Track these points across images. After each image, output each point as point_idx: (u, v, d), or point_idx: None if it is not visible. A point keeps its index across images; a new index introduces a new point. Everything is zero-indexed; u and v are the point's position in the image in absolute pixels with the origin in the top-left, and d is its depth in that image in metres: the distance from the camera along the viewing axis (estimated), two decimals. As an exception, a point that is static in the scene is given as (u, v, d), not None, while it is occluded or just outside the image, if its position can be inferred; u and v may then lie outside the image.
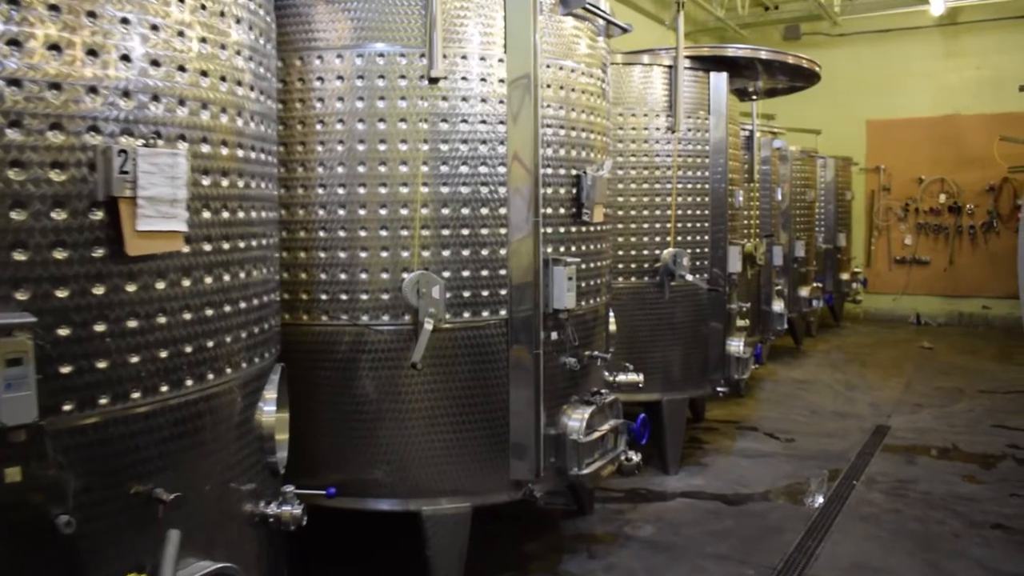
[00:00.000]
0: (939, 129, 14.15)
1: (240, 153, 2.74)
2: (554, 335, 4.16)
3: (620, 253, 5.98)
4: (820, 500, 5.75)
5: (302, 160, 3.90)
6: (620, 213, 5.97)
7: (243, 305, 2.77)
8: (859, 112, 14.61)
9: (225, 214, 2.65)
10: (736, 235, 6.81)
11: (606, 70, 4.75)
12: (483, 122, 3.89)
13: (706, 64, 6.26)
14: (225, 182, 2.65)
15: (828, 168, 12.92)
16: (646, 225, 6.02)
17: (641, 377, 5.14)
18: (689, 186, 6.15)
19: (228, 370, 2.69)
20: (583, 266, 4.33)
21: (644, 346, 6.05)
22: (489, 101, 3.91)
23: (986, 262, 13.99)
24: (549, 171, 4.10)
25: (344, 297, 3.88)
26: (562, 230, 4.19)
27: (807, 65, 6.65)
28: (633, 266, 6.00)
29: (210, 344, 2.57)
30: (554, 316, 4.10)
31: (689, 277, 5.94)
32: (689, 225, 6.16)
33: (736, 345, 6.54)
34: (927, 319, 14.23)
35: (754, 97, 8.04)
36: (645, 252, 6.02)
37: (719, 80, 6.22)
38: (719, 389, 6.41)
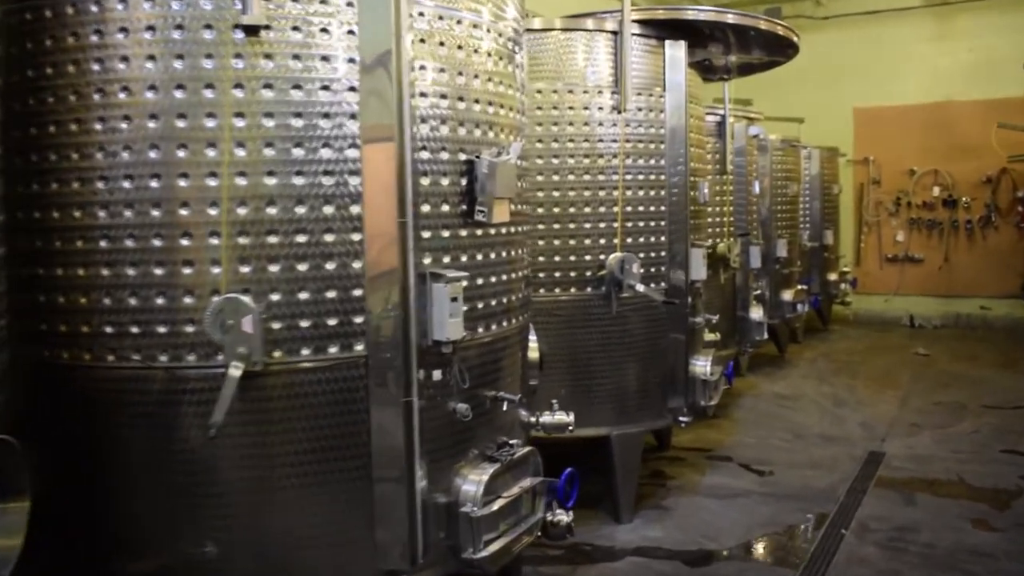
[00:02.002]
0: (931, 117, 13.15)
1: None
2: (436, 374, 3.10)
3: (557, 259, 4.94)
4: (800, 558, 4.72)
5: (77, 144, 2.83)
6: (557, 210, 4.93)
7: None
8: (845, 100, 13.60)
9: None
10: (700, 235, 5.78)
11: (519, 28, 3.71)
12: (325, 88, 2.84)
13: (661, 31, 5.21)
14: None
15: (813, 160, 11.92)
16: (588, 225, 4.97)
17: (571, 417, 4.08)
18: (640, 177, 5.11)
19: None
20: (479, 281, 3.28)
21: (588, 371, 5.02)
22: (333, 60, 2.85)
23: (984, 259, 13.00)
24: (426, 155, 3.04)
25: (135, 330, 2.82)
26: (446, 234, 3.13)
27: (783, 32, 5.61)
28: (573, 275, 4.96)
29: None
30: (435, 350, 3.05)
31: (640, 287, 4.90)
32: (641, 224, 5.11)
33: (702, 365, 5.50)
34: (921, 321, 13.22)
35: (725, 76, 7.00)
36: (588, 258, 4.97)
37: (676, 50, 5.18)
38: (681, 419, 5.37)
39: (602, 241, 4.99)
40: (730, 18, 5.31)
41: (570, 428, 4.06)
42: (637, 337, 5.14)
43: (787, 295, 9.92)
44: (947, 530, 5.02)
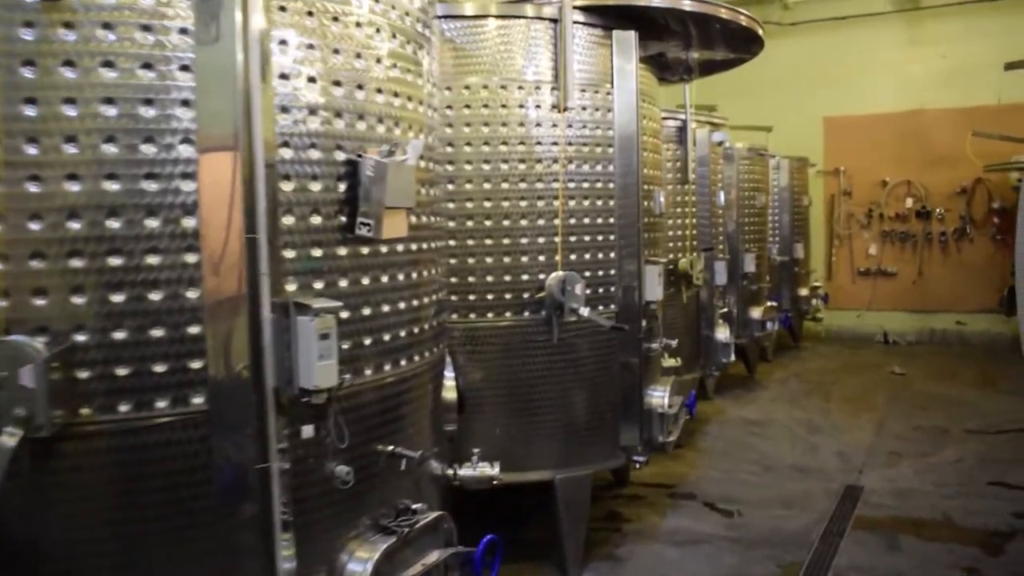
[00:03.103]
0: (904, 125, 12.68)
1: None
2: (307, 430, 2.46)
3: (490, 279, 4.31)
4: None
5: None
6: (489, 223, 4.30)
7: None
8: (815, 108, 13.11)
9: None
10: (657, 250, 5.18)
11: (428, 7, 3.10)
12: (147, 67, 2.20)
13: (610, 20, 4.62)
14: None
15: (782, 170, 11.42)
16: (525, 240, 4.35)
17: (495, 469, 3.46)
18: (585, 185, 4.50)
19: None
20: (367, 311, 2.65)
21: (528, 407, 4.39)
22: (159, 31, 2.21)
23: (959, 273, 12.53)
24: (288, 153, 2.41)
25: None
26: (318, 253, 2.49)
27: (746, 23, 5.04)
28: (509, 297, 4.33)
29: None
30: (303, 400, 2.40)
31: (584, 311, 4.28)
32: (587, 239, 4.50)
33: (659, 396, 4.91)
34: (895, 337, 12.74)
35: (685, 76, 6.43)
36: (525, 277, 4.35)
37: (625, 40, 4.59)
38: (636, 459, 4.76)
39: (541, 258, 4.37)
40: (686, 5, 4.72)
41: (494, 481, 3.43)
42: (584, 367, 4.52)
43: (756, 312, 9.36)
44: (935, 583, 4.45)
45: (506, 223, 4.32)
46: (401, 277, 2.81)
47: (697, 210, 7.21)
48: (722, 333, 7.56)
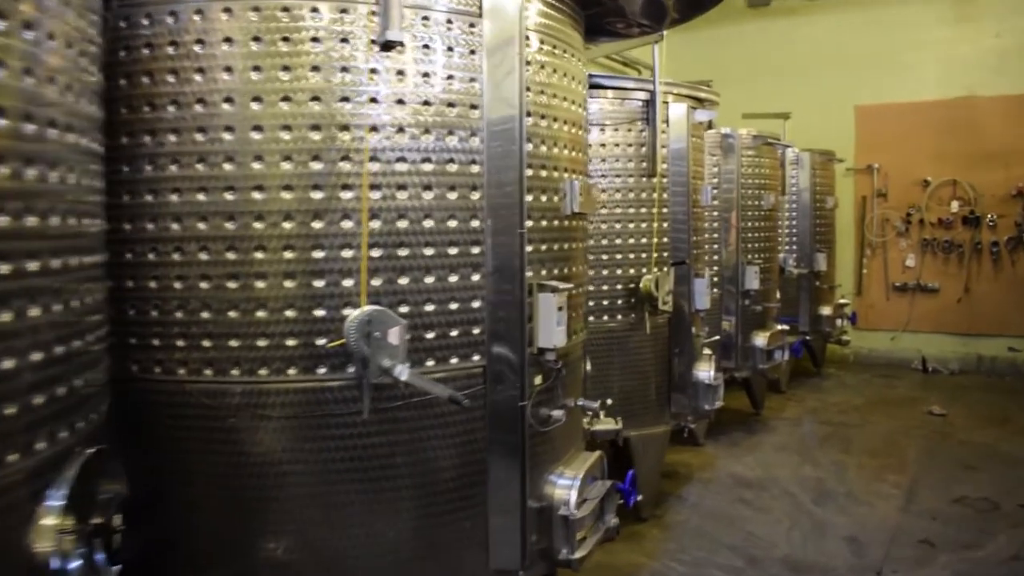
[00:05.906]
0: (949, 116, 10.82)
1: None
2: None
3: (261, 315, 2.70)
4: None
5: None
6: (260, 226, 2.69)
7: None
8: (845, 96, 11.28)
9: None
10: (574, 267, 3.52)
11: None
12: None
13: (482, -80, 2.99)
14: None
15: (802, 166, 9.67)
16: (320, 254, 2.72)
17: None
18: (428, 168, 2.87)
19: None
20: None
21: (327, 519, 2.78)
22: None
23: (1013, 290, 10.63)
24: None
25: None
26: None
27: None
28: (292, 344, 2.71)
29: None
30: None
31: (402, 372, 2.64)
32: (429, 253, 2.87)
33: (564, 486, 3.29)
34: (936, 364, 10.84)
35: (645, 24, 4.71)
36: (320, 313, 2.73)
37: (498, -55, 2.95)
38: (520, 589, 3.12)
39: (348, 283, 2.75)
40: None
41: None
42: (426, 452, 2.91)
43: (760, 339, 7.61)
44: None
45: (288, 226, 2.70)
46: None
47: (669, 211, 5.51)
48: (704, 371, 5.82)
